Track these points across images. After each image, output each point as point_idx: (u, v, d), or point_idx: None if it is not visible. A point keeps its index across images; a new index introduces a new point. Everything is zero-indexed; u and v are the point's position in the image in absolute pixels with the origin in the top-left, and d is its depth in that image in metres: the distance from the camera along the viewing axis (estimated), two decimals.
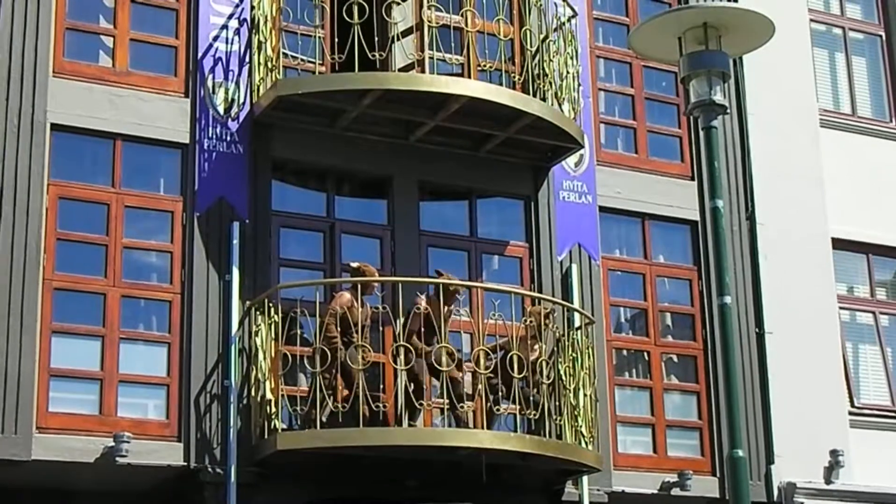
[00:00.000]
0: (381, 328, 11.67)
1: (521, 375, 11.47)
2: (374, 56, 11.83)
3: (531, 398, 11.70)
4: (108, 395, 11.13)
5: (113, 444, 10.88)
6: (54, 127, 11.43)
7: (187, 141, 11.84)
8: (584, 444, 11.97)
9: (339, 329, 11.07)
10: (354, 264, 11.63)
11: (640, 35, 8.80)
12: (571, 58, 12.96)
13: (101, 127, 11.62)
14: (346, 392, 11.22)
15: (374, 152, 12.49)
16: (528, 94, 12.47)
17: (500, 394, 11.55)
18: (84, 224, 11.43)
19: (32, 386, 10.80)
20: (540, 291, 12.63)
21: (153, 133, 11.77)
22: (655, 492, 12.98)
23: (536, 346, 11.88)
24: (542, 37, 12.95)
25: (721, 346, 8.44)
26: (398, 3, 12.26)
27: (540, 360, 11.75)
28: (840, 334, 14.53)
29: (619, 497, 12.73)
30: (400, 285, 11.74)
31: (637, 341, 13.53)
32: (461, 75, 12.56)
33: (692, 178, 14.03)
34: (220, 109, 11.98)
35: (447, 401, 11.31)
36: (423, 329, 11.34)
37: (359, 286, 11.31)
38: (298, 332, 11.52)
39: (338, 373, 11.13)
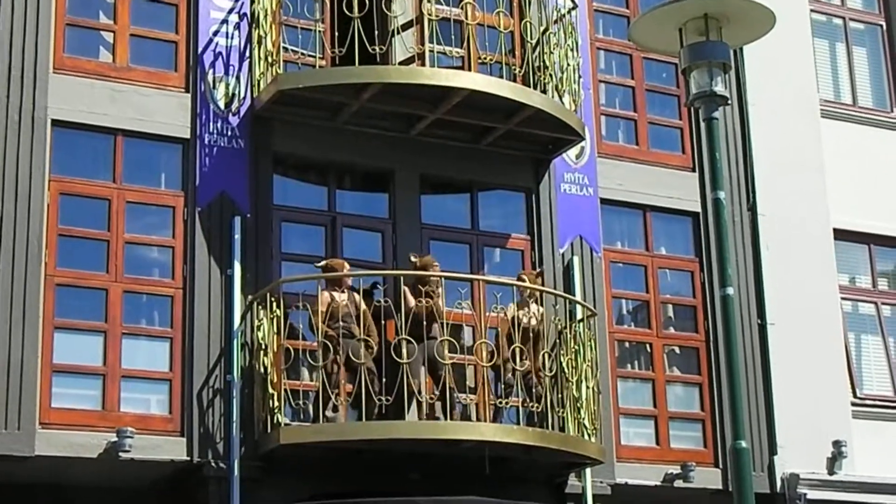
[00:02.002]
0: (383, 322, 11.65)
1: (523, 368, 11.48)
2: (374, 50, 11.81)
3: (533, 388, 11.70)
4: (111, 391, 11.14)
5: (116, 439, 10.88)
6: (55, 123, 11.43)
7: (188, 136, 11.84)
8: (586, 437, 11.97)
9: (330, 326, 11.10)
10: (321, 263, 11.66)
11: (640, 27, 8.78)
12: (572, 50, 12.94)
13: (101, 122, 11.62)
14: (349, 387, 11.24)
15: (375, 146, 12.49)
16: (529, 86, 12.46)
17: (503, 383, 11.60)
18: (85, 220, 11.43)
19: (35, 382, 10.81)
20: (542, 284, 12.62)
21: (154, 128, 11.77)
22: (658, 483, 12.99)
23: (532, 310, 11.88)
24: (542, 29, 12.93)
25: (723, 338, 8.43)
26: None
27: (542, 353, 11.77)
28: (842, 325, 14.52)
29: (622, 489, 12.74)
30: (402, 279, 11.74)
31: (639, 333, 13.53)
32: (461, 68, 12.56)
33: (693, 170, 14.02)
34: (221, 104, 11.97)
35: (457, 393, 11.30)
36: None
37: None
38: (300, 327, 11.53)
39: (339, 368, 11.15)
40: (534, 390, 11.74)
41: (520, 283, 12.11)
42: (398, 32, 12.24)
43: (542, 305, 12.26)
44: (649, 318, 13.54)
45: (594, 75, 13.77)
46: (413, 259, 11.76)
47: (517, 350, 11.47)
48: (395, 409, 11.21)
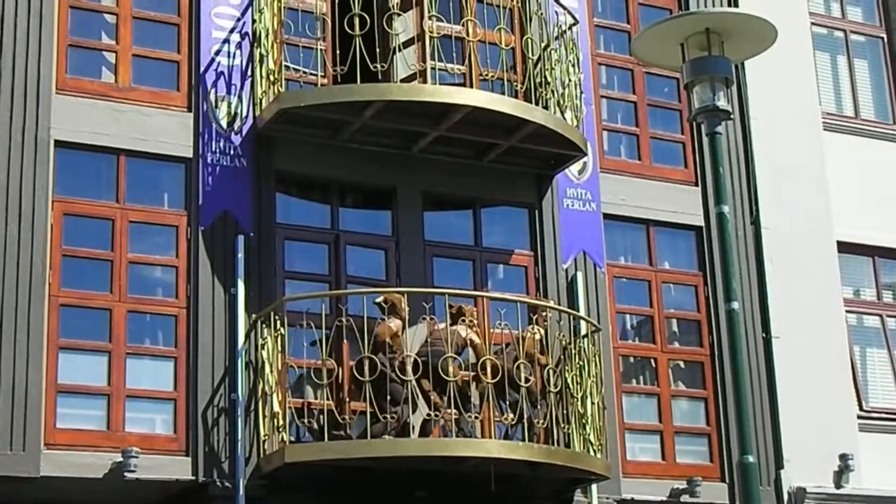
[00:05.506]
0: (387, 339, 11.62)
1: (528, 385, 11.46)
2: (375, 67, 11.83)
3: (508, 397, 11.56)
4: (116, 411, 11.13)
5: (121, 459, 10.88)
6: (58, 143, 11.45)
7: (191, 155, 11.85)
8: (592, 452, 11.95)
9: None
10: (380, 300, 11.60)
11: (642, 42, 8.80)
12: (573, 65, 12.96)
13: (104, 143, 11.63)
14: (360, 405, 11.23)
15: (378, 163, 12.49)
16: (531, 102, 12.47)
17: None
18: (89, 240, 11.44)
19: (40, 402, 10.80)
20: (545, 300, 12.61)
21: (156, 148, 11.78)
22: (665, 499, 12.96)
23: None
24: (543, 45, 12.95)
25: (728, 352, 8.43)
26: (399, 14, 12.27)
27: (547, 368, 11.76)
28: (847, 338, 14.50)
29: None
30: (405, 297, 11.72)
31: (643, 348, 13.52)
32: (463, 85, 12.57)
33: (696, 184, 14.02)
34: (223, 123, 11.99)
35: (454, 410, 11.26)
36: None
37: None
38: (305, 344, 11.52)
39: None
40: (538, 407, 11.69)
41: (523, 299, 12.06)
42: (399, 50, 12.26)
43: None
44: (653, 332, 13.52)
45: (596, 91, 13.79)
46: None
47: (521, 366, 11.44)
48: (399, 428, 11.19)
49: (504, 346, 11.77)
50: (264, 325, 11.41)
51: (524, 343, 11.57)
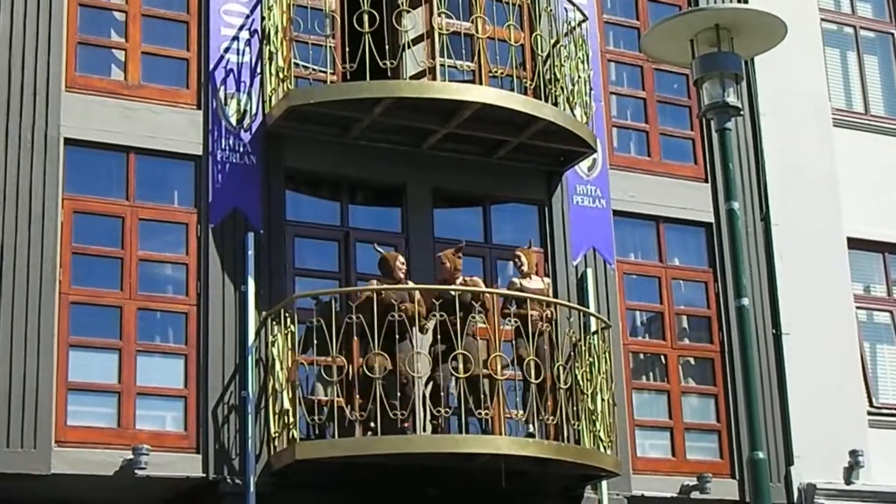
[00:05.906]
0: (396, 336, 11.61)
1: (539, 380, 11.46)
2: (385, 64, 11.83)
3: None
4: (127, 408, 11.15)
5: (132, 456, 10.90)
6: (68, 141, 11.47)
7: (200, 153, 11.86)
8: (602, 449, 11.94)
9: None
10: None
11: (652, 38, 8.79)
12: (582, 62, 12.95)
13: (114, 140, 11.65)
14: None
15: (387, 160, 12.50)
16: (540, 99, 12.47)
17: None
18: (99, 238, 11.46)
19: (51, 400, 10.83)
20: (555, 296, 12.62)
21: (166, 145, 11.80)
22: (675, 495, 12.96)
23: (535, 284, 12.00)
24: (552, 42, 12.95)
25: (739, 348, 8.42)
26: (408, 11, 12.26)
27: (557, 366, 11.76)
28: (857, 334, 14.48)
29: (638, 501, 12.71)
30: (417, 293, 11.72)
31: (654, 345, 13.51)
32: (472, 82, 12.56)
33: (706, 180, 14.01)
34: (233, 121, 12.00)
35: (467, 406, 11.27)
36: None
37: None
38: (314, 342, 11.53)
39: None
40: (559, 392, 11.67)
41: (533, 296, 12.04)
42: (409, 47, 12.26)
43: (546, 276, 12.44)
44: (664, 329, 13.51)
45: (605, 87, 13.78)
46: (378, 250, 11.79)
47: (532, 363, 11.44)
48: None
49: (514, 342, 11.78)
50: (274, 323, 11.42)
51: (535, 339, 11.57)
